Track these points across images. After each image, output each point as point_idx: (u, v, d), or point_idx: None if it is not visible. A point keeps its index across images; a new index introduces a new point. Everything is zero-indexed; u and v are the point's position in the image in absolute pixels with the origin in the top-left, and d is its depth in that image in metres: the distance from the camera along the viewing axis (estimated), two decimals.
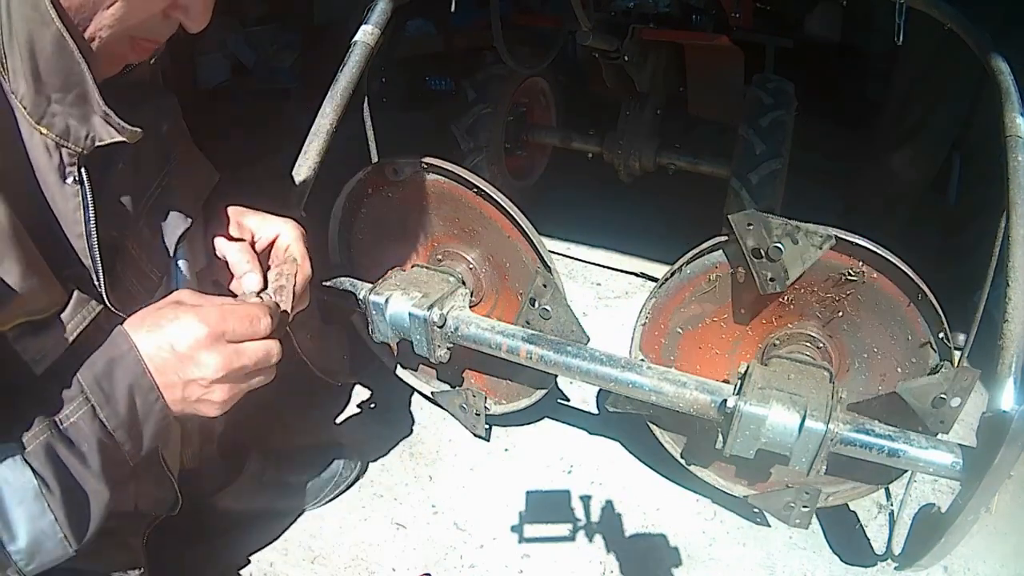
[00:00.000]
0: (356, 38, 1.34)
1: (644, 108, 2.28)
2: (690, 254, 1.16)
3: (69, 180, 0.73)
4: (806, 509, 1.21)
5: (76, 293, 0.75)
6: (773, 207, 1.92)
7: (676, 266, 1.18)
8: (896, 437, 0.96)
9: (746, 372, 1.06)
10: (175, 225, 0.91)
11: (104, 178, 0.82)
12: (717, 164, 2.17)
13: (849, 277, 1.07)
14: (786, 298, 1.15)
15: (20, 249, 0.67)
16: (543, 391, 1.40)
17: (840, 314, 1.14)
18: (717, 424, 1.05)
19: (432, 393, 1.55)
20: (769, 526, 1.39)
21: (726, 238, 1.11)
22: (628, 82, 2.17)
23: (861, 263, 1.06)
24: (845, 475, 1.23)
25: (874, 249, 1.03)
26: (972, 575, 1.30)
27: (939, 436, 1.00)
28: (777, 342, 1.21)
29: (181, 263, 0.93)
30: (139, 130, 0.76)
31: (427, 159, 1.28)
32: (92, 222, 0.75)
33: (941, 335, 1.06)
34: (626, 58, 1.99)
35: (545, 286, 1.17)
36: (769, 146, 1.91)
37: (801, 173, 2.24)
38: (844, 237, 1.03)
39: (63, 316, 0.74)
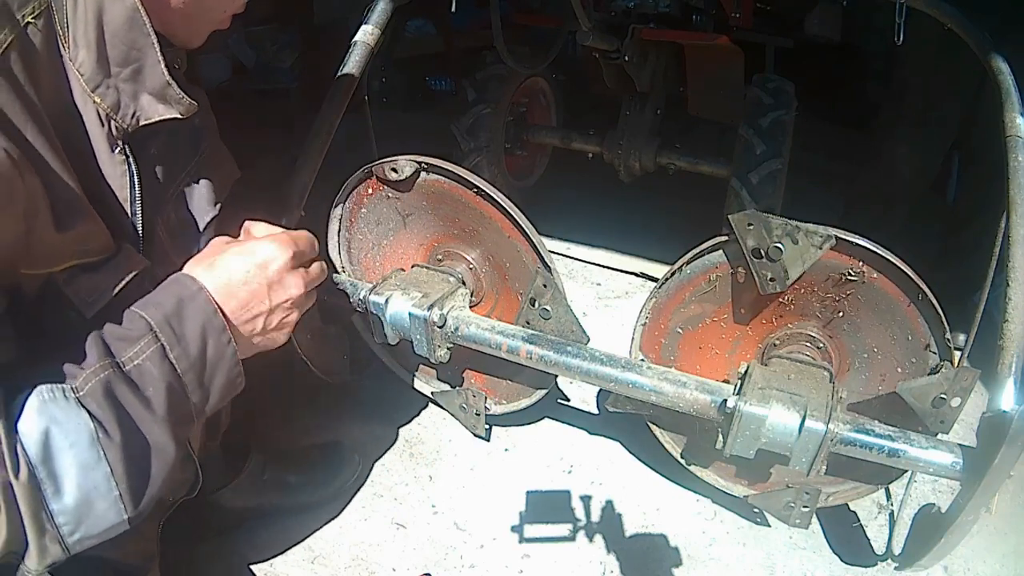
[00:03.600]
0: (356, 38, 1.35)
1: (644, 108, 2.29)
2: (690, 254, 1.16)
3: (116, 151, 0.76)
4: (806, 509, 1.21)
5: (126, 245, 0.76)
6: (773, 207, 1.92)
7: (676, 266, 1.18)
8: (896, 437, 0.96)
9: (746, 372, 1.06)
10: (202, 213, 0.93)
11: (139, 159, 0.84)
12: (717, 164, 2.17)
13: (849, 277, 1.07)
14: (786, 298, 1.15)
15: (75, 181, 0.69)
16: (543, 391, 1.40)
17: (840, 314, 1.14)
18: (717, 424, 1.04)
19: (432, 393, 1.55)
20: (769, 526, 1.39)
21: (726, 238, 1.11)
22: (628, 82, 2.17)
23: (861, 263, 1.05)
24: (845, 475, 1.22)
25: (874, 249, 1.03)
26: (972, 575, 1.30)
27: (939, 436, 1.00)
28: (777, 342, 1.21)
29: None
30: (195, 104, 0.79)
31: (427, 159, 1.27)
32: (137, 188, 0.78)
33: (941, 335, 1.06)
34: (626, 58, 1.99)
35: (545, 286, 1.17)
36: (769, 146, 1.91)
37: (801, 173, 2.24)
38: (844, 237, 1.03)
39: (113, 263, 0.74)
